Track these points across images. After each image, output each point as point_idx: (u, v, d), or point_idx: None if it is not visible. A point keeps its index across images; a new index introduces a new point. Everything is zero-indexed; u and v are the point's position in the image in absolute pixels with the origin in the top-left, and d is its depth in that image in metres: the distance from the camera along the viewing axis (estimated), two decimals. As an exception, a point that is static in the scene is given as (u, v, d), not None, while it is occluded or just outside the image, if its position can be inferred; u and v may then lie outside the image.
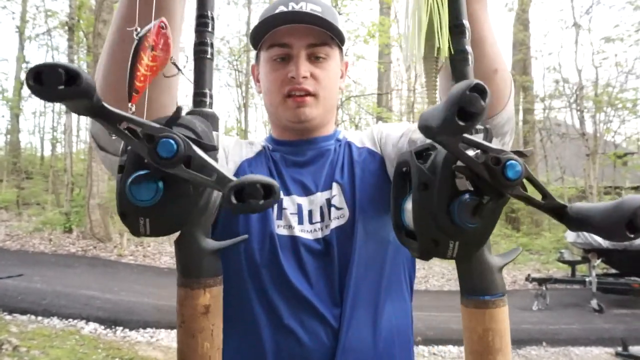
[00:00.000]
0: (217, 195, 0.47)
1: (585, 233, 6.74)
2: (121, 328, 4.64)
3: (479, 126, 0.43)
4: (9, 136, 16.15)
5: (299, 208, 0.84)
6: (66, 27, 11.94)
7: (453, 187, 0.41)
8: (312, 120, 0.88)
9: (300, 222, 0.83)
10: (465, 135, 0.37)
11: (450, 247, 0.41)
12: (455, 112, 0.33)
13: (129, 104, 0.45)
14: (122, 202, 0.42)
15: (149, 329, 4.65)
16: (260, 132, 18.61)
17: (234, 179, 0.37)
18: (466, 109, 0.33)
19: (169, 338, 4.47)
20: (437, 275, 8.92)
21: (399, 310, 0.84)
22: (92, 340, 4.23)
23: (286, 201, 0.85)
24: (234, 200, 0.36)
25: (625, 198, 0.36)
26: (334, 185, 0.85)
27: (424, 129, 0.36)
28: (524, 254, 11.18)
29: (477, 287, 0.42)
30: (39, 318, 4.72)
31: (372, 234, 0.81)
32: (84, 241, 9.44)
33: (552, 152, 14.59)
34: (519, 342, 4.88)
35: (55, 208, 12.25)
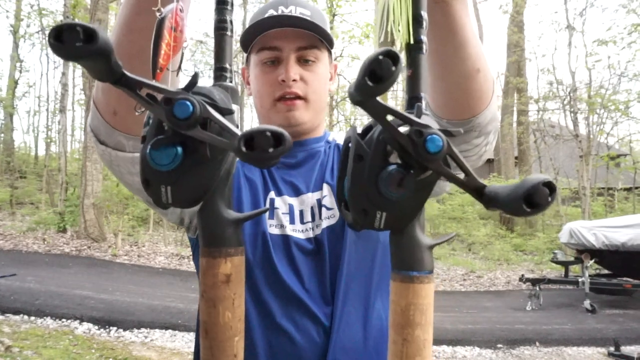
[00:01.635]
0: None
1: (579, 235, 6.81)
2: (115, 328, 4.63)
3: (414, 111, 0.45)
4: (2, 135, 16.04)
5: (291, 208, 0.86)
6: (61, 26, 11.86)
7: (384, 160, 0.43)
8: (303, 124, 0.89)
9: (292, 221, 0.85)
10: (392, 107, 0.40)
11: (377, 217, 0.43)
12: (366, 74, 0.36)
13: (143, 78, 0.47)
14: (144, 169, 0.43)
15: (143, 329, 4.64)
16: (255, 132, 18.54)
17: (238, 135, 0.39)
18: (377, 72, 0.36)
19: (163, 338, 4.46)
20: (431, 275, 8.95)
21: (389, 307, 0.85)
22: (85, 341, 4.22)
23: (278, 201, 0.86)
24: (244, 149, 0.36)
25: (528, 177, 0.38)
26: (325, 186, 0.87)
27: (349, 95, 0.39)
28: (517, 254, 11.24)
29: (405, 262, 0.44)
30: (32, 318, 4.70)
31: (362, 234, 0.82)
32: (78, 241, 9.39)
33: (546, 153, 14.67)
34: (512, 341, 4.91)
35: (49, 207, 12.19)
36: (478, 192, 0.42)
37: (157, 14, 0.50)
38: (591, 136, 13.06)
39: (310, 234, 0.84)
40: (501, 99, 14.85)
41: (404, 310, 0.43)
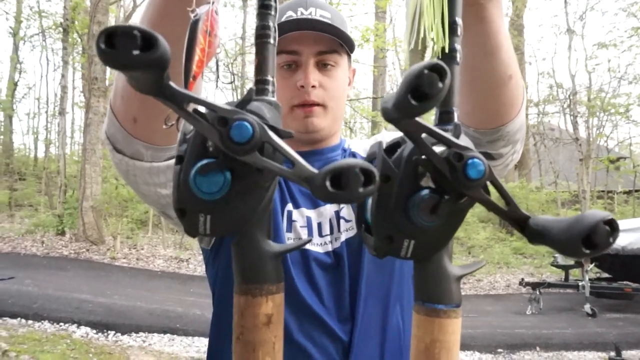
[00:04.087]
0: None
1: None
2: (113, 332, 4.60)
3: (447, 126, 0.41)
4: (2, 137, 16.03)
5: (308, 221, 0.82)
6: (60, 28, 11.88)
7: (415, 183, 0.39)
8: (321, 131, 0.86)
9: (310, 234, 0.82)
10: (430, 126, 0.36)
11: (404, 245, 0.39)
12: (408, 90, 0.31)
13: (189, 91, 0.43)
14: (183, 196, 0.38)
15: (141, 333, 4.61)
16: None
17: (315, 170, 0.34)
18: (421, 89, 0.31)
19: (161, 342, 4.44)
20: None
21: (407, 323, 0.83)
22: (83, 345, 4.19)
23: (295, 214, 0.83)
24: (330, 188, 0.32)
25: (586, 213, 0.34)
26: None
27: (382, 110, 0.34)
28: (517, 257, 11.22)
29: (431, 294, 0.40)
30: (30, 322, 4.67)
31: None
32: (76, 244, 9.37)
33: (545, 156, 14.67)
34: (512, 346, 4.89)
35: (48, 210, 12.16)
36: (519, 223, 0.38)
37: (191, 15, 0.45)
38: (591, 139, 13.06)
39: (329, 248, 0.81)
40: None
41: (428, 348, 0.39)
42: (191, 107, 0.36)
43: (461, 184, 0.36)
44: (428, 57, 0.50)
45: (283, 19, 0.84)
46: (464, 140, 0.38)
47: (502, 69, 0.59)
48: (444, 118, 0.42)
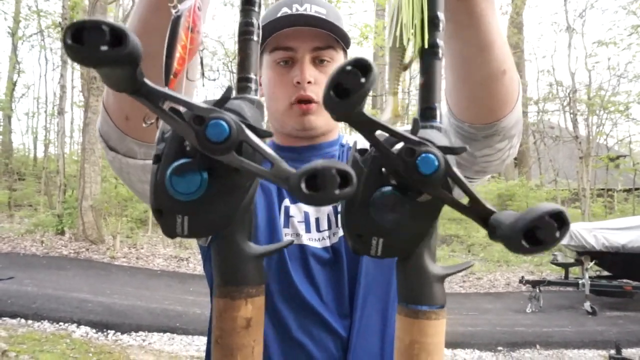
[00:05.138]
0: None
1: (579, 237, 6.79)
2: (113, 332, 4.59)
3: (432, 122, 0.40)
4: (1, 137, 16.02)
5: (306, 216, 0.82)
6: (59, 28, 11.87)
7: (380, 180, 0.38)
8: (317, 129, 0.87)
9: (308, 230, 0.81)
10: (381, 122, 0.35)
11: (373, 244, 0.39)
12: (330, 86, 0.32)
13: (166, 89, 0.41)
14: (159, 197, 0.37)
15: (141, 333, 4.61)
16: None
17: (293, 170, 0.33)
18: (343, 85, 0.31)
19: (161, 342, 4.43)
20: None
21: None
22: (83, 344, 4.18)
23: (293, 209, 0.83)
24: (305, 190, 0.31)
25: (537, 205, 0.32)
26: None
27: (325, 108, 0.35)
28: (517, 256, 11.22)
29: (410, 294, 0.39)
30: (29, 322, 4.67)
31: None
32: (76, 243, 9.36)
33: (545, 154, 14.67)
34: (512, 344, 4.89)
35: (47, 210, 12.16)
36: (483, 219, 0.37)
37: (173, 10, 0.44)
38: (591, 137, 13.06)
39: (327, 243, 0.81)
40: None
41: (407, 349, 0.38)
42: (170, 105, 0.35)
43: (415, 180, 0.35)
44: (410, 54, 0.50)
45: (278, 15, 0.83)
46: (428, 134, 0.37)
47: (496, 64, 0.58)
48: (427, 114, 0.41)
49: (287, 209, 0.83)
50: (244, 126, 0.35)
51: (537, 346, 4.89)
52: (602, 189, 14.98)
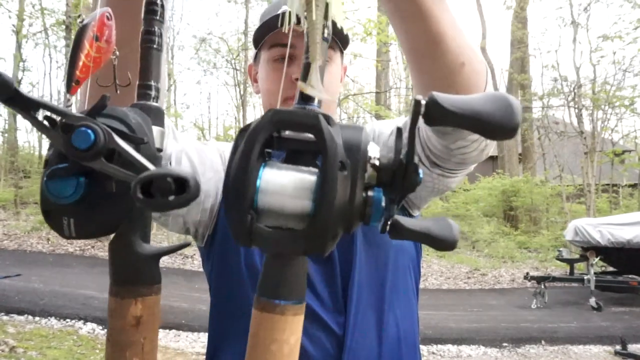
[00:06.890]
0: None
1: (584, 232, 6.77)
2: (119, 328, 4.63)
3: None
4: (6, 135, 16.10)
5: None
6: (63, 26, 11.90)
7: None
8: None
9: None
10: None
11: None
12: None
13: (68, 96, 0.42)
14: (45, 199, 0.39)
15: (147, 329, 4.64)
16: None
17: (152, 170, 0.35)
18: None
19: (166, 338, 4.46)
20: (435, 273, 8.93)
21: (404, 314, 0.82)
22: (90, 341, 4.22)
23: None
24: (139, 195, 0.32)
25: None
26: None
27: None
28: (522, 252, 11.19)
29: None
30: (37, 318, 4.71)
31: (371, 237, 0.79)
32: (82, 240, 9.40)
33: (550, 150, 14.60)
34: (517, 340, 4.89)
35: (53, 207, 12.20)
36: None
37: (78, 21, 0.46)
38: (596, 132, 12.98)
39: None
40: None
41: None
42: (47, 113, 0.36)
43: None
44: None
45: (279, 12, 0.84)
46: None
47: (451, 57, 0.58)
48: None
49: None
50: (113, 134, 0.36)
51: (543, 342, 4.88)
52: (607, 185, 14.90)
